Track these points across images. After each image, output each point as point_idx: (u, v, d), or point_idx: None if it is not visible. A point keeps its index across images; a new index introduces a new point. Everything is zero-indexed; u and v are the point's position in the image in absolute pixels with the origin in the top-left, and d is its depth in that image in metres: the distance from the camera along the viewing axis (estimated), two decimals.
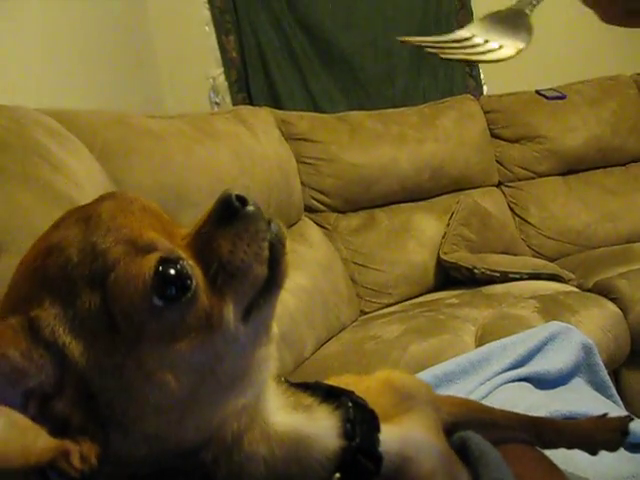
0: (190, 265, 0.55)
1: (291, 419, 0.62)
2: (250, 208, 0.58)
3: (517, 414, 0.96)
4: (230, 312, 0.56)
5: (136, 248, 0.54)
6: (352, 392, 0.69)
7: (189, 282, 0.54)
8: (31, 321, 0.52)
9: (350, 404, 0.66)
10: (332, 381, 0.75)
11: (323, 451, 0.61)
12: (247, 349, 0.58)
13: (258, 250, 0.57)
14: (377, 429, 0.66)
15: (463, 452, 0.77)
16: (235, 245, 0.56)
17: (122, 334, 0.53)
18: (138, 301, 0.52)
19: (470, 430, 0.83)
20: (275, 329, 0.63)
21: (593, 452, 0.93)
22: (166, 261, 0.54)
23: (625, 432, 0.93)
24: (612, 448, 0.93)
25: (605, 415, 0.98)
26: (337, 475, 0.60)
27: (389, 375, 0.81)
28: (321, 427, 0.63)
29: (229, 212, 0.57)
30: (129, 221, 0.56)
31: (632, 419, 0.95)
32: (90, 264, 0.53)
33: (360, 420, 0.65)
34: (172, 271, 0.54)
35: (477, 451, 0.77)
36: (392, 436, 0.66)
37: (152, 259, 0.53)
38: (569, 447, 0.94)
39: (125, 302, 0.52)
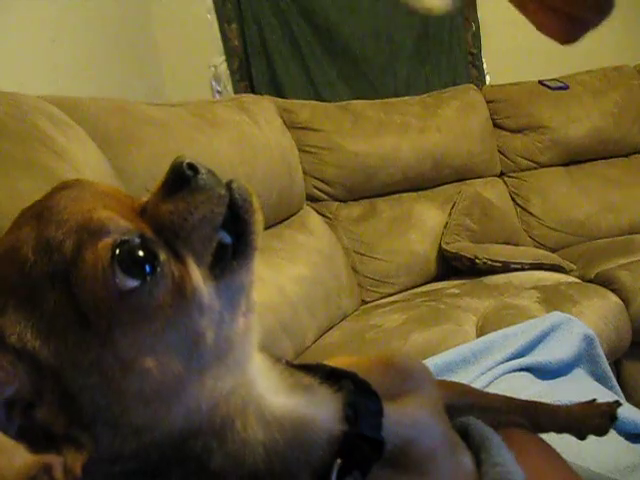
0: (150, 239, 0.53)
1: (289, 401, 0.61)
2: (202, 176, 0.56)
3: (511, 398, 0.97)
4: (198, 277, 0.54)
5: (90, 234, 0.51)
6: (355, 374, 0.68)
7: (152, 257, 0.52)
8: None
9: (352, 387, 0.65)
10: (332, 362, 0.73)
11: (324, 435, 0.60)
12: (225, 318, 0.56)
13: (208, 213, 0.55)
14: (380, 413, 0.64)
15: (464, 438, 0.76)
16: (182, 211, 0.55)
17: (93, 327, 0.50)
18: (101, 289, 0.50)
19: (466, 414, 0.83)
20: (255, 298, 0.61)
21: (582, 437, 0.94)
22: (122, 242, 0.51)
23: (613, 417, 0.94)
24: (600, 433, 0.94)
25: (594, 400, 0.98)
26: (338, 461, 0.59)
27: (390, 356, 0.80)
28: (322, 410, 0.62)
29: (181, 181, 0.56)
30: (80, 207, 0.53)
31: (620, 405, 0.96)
32: (47, 261, 0.51)
33: (362, 404, 0.63)
34: (131, 250, 0.51)
35: (478, 436, 0.76)
36: (394, 417, 0.65)
37: (107, 243, 0.51)
38: (559, 431, 0.94)
39: (89, 293, 0.50)
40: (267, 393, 0.60)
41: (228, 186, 0.57)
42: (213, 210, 0.55)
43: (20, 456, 0.48)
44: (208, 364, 0.55)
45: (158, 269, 0.52)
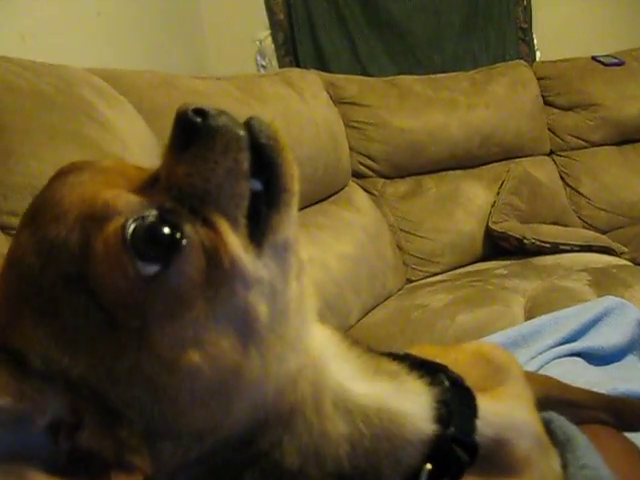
0: (168, 210, 0.45)
1: (373, 388, 0.55)
2: (213, 119, 0.47)
3: (596, 393, 0.92)
4: (236, 244, 0.46)
5: (96, 220, 0.44)
6: (447, 367, 0.62)
7: (174, 230, 0.44)
8: (15, 355, 0.44)
9: (447, 383, 0.59)
10: (415, 352, 0.67)
11: (415, 432, 0.54)
12: (277, 287, 0.48)
13: (232, 164, 0.46)
14: (475, 414, 0.58)
15: (547, 435, 0.71)
16: (202, 169, 0.46)
17: (124, 327, 0.44)
18: (122, 280, 0.43)
19: (548, 409, 0.77)
20: (304, 256, 0.52)
21: None
22: (135, 219, 0.44)
23: None
24: None
25: None
26: (428, 466, 0.54)
27: (479, 346, 0.75)
28: (413, 403, 0.56)
29: (191, 132, 0.47)
30: (79, 193, 0.46)
31: None
32: (56, 263, 0.44)
33: (457, 403, 0.57)
34: (147, 227, 0.44)
35: (562, 435, 0.72)
36: (489, 417, 0.59)
37: (117, 224, 0.44)
38: None
39: (110, 288, 0.43)
40: (344, 378, 0.54)
41: (247, 124, 0.49)
42: (236, 158, 0.47)
43: None
44: (267, 345, 0.47)
45: (183, 243, 0.44)
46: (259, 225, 0.48)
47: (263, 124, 0.49)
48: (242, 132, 0.48)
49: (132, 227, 0.44)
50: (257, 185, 0.48)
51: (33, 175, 1.09)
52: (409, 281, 2.65)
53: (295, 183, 0.50)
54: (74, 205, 0.46)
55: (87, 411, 0.45)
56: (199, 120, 0.47)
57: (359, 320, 2.18)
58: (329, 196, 2.51)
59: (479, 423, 0.58)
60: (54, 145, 1.19)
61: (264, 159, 0.48)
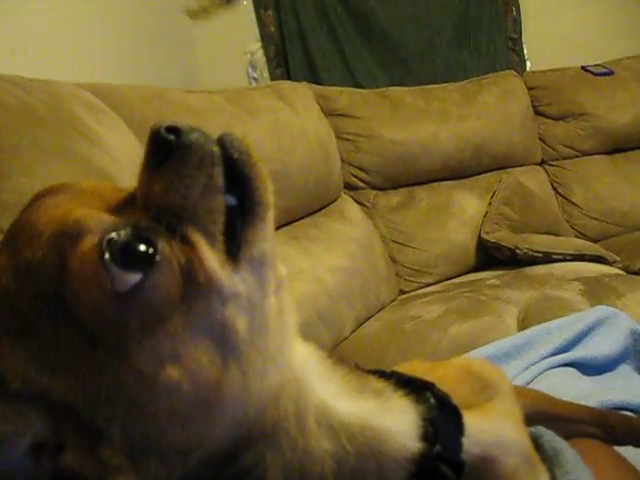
0: (143, 228, 0.46)
1: (359, 406, 0.55)
2: (186, 136, 0.47)
3: (586, 407, 0.92)
4: (211, 260, 0.46)
5: (70, 239, 0.45)
6: (433, 385, 0.62)
7: (148, 247, 0.44)
8: None
9: (433, 401, 0.58)
10: (403, 367, 0.67)
11: (401, 450, 0.54)
12: (255, 301, 0.48)
13: (206, 180, 0.47)
14: (461, 432, 0.58)
15: (535, 450, 0.70)
16: (178, 185, 0.46)
17: (102, 345, 0.44)
18: (98, 296, 0.43)
19: (537, 423, 0.77)
20: (283, 271, 0.53)
21: None
22: (110, 238, 0.44)
23: None
24: None
25: None
26: None
27: (467, 362, 0.75)
28: (398, 420, 0.56)
29: (164, 148, 0.47)
30: (54, 214, 0.47)
31: None
32: (32, 284, 0.45)
33: (443, 421, 0.57)
34: (121, 245, 0.44)
35: (551, 449, 0.72)
36: (476, 434, 0.59)
37: (91, 242, 0.44)
38: (638, 445, 0.89)
39: (86, 305, 0.44)
40: (327, 395, 0.54)
41: (219, 141, 0.49)
42: (210, 173, 0.47)
43: None
44: (247, 360, 0.47)
45: (157, 258, 0.44)
46: (235, 239, 0.49)
47: (235, 139, 0.50)
48: (215, 148, 0.48)
49: (107, 244, 0.44)
50: (231, 200, 0.49)
51: (23, 192, 1.08)
52: (402, 292, 2.64)
53: (269, 196, 0.51)
54: (49, 225, 0.46)
55: (69, 431, 0.45)
56: (172, 138, 0.47)
57: (353, 332, 2.17)
58: (321, 208, 2.50)
59: (465, 441, 0.58)
60: (44, 161, 1.18)
61: (237, 174, 0.49)
